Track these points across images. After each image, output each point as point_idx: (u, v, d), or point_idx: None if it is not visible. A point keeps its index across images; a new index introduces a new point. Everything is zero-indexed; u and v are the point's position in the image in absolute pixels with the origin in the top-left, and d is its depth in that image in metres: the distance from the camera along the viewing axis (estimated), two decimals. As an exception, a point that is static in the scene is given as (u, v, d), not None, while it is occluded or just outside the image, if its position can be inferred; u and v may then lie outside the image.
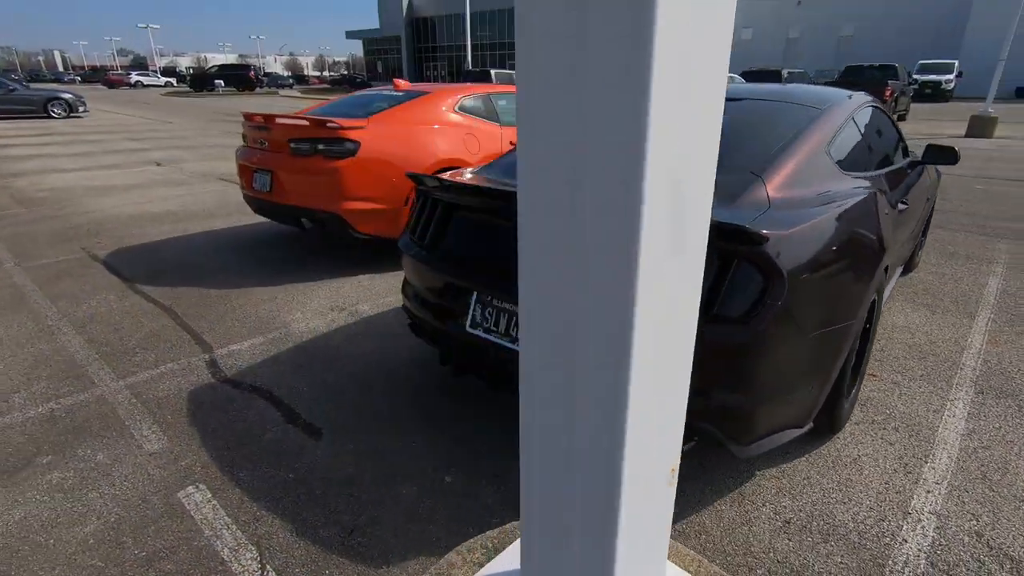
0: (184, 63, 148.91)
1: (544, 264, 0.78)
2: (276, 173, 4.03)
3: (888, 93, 15.67)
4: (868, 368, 2.69)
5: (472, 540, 1.51)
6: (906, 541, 1.73)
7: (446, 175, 2.36)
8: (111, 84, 52.98)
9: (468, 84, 4.96)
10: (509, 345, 1.93)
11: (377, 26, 56.00)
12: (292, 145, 3.94)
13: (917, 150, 3.49)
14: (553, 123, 0.70)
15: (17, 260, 4.40)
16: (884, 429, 2.28)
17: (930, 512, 1.84)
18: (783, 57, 38.77)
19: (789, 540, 1.74)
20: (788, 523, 1.81)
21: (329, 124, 3.82)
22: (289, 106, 22.35)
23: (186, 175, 8.20)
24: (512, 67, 43.74)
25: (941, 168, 6.84)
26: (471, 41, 29.09)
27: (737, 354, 1.62)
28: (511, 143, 4.66)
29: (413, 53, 53.54)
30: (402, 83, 4.94)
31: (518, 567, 1.35)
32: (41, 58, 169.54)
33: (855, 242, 1.93)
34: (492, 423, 2.32)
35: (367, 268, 4.20)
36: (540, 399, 0.88)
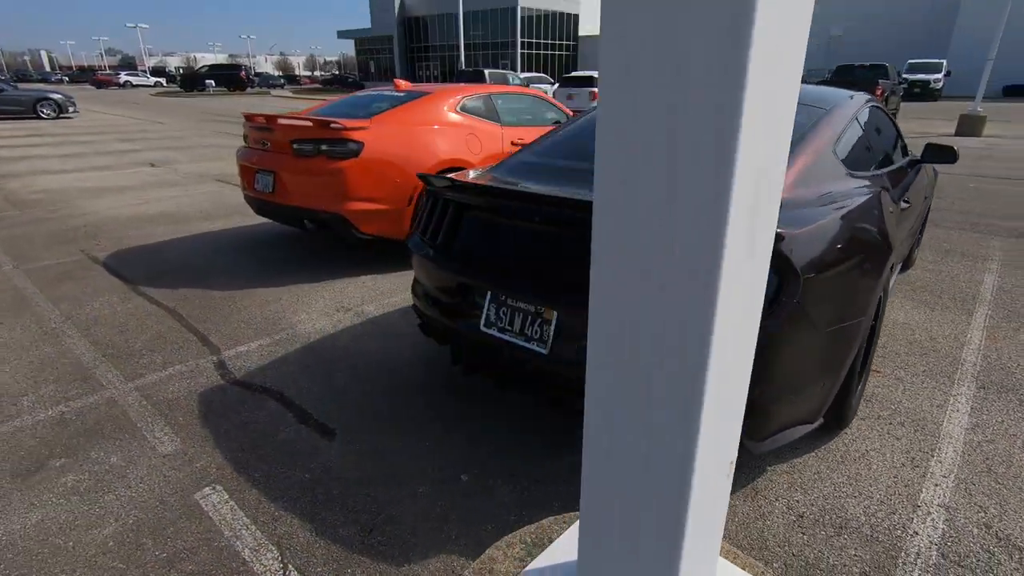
0: (173, 63, 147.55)
1: (624, 267, 0.81)
2: (279, 174, 4.02)
3: (879, 92, 15.85)
4: (872, 364, 2.73)
5: (511, 535, 1.55)
6: (917, 533, 1.76)
7: (455, 175, 2.38)
8: (100, 84, 52.52)
9: (469, 84, 4.97)
10: (524, 344, 1.94)
11: (369, 26, 55.85)
12: (295, 146, 3.93)
13: (915, 149, 3.54)
14: (644, 125, 0.72)
15: (16, 263, 4.36)
16: (890, 424, 2.32)
17: (939, 505, 1.88)
18: (774, 56, 38.94)
19: (803, 534, 1.77)
20: (801, 517, 1.84)
21: (333, 125, 3.82)
22: (282, 106, 22.24)
23: (180, 176, 8.15)
24: (504, 67, 43.72)
25: (937, 167, 6.91)
26: (464, 41, 29.05)
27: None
28: (512, 143, 4.68)
29: (405, 53, 53.40)
30: (403, 83, 4.94)
31: (570, 559, 1.36)
32: (27, 58, 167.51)
33: (864, 240, 1.96)
34: (499, 422, 2.34)
35: (369, 269, 4.20)
36: (615, 401, 0.90)
